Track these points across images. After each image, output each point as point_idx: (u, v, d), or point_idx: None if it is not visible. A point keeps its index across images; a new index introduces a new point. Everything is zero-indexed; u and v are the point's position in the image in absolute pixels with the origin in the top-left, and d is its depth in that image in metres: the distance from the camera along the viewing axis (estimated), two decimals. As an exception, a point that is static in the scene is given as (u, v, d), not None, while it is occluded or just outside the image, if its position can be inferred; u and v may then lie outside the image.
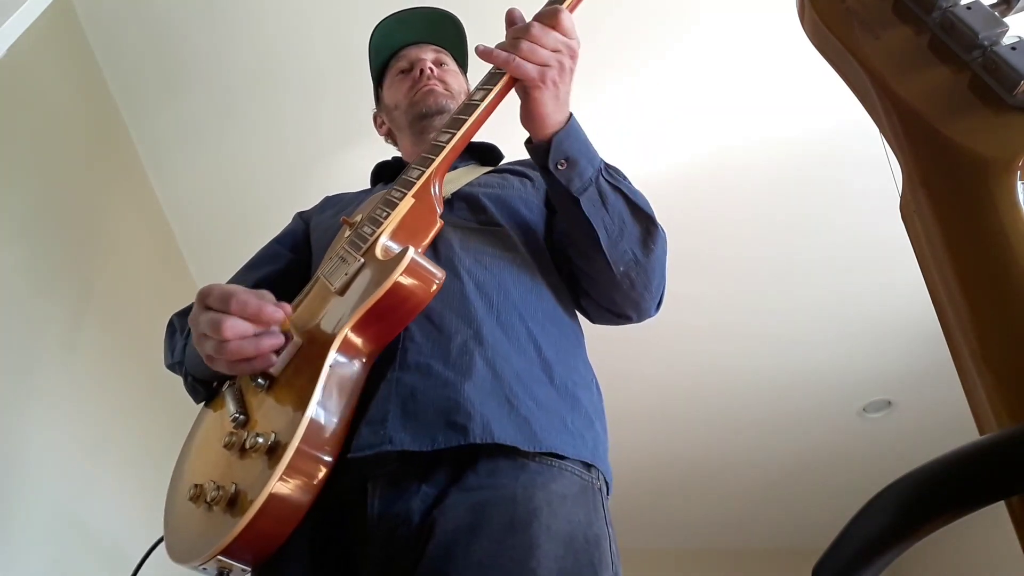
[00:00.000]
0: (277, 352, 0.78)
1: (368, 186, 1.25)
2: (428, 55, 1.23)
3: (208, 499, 0.71)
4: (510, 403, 0.78)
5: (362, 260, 0.81)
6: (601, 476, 0.83)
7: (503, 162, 1.21)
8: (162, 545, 0.78)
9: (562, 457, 0.78)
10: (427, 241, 0.86)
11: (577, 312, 1.02)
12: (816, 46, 0.44)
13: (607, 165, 0.92)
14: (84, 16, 1.90)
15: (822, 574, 0.27)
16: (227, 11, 1.90)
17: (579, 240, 0.91)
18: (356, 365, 0.77)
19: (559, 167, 0.87)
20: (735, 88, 2.02)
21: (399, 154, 1.31)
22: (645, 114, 2.07)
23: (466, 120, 0.88)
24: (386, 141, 1.34)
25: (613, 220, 0.88)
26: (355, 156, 2.14)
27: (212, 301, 0.77)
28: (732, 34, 1.91)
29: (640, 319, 0.98)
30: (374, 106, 1.34)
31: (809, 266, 2.47)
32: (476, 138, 0.95)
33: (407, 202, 0.86)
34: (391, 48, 1.26)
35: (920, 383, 2.79)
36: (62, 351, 1.72)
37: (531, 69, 0.83)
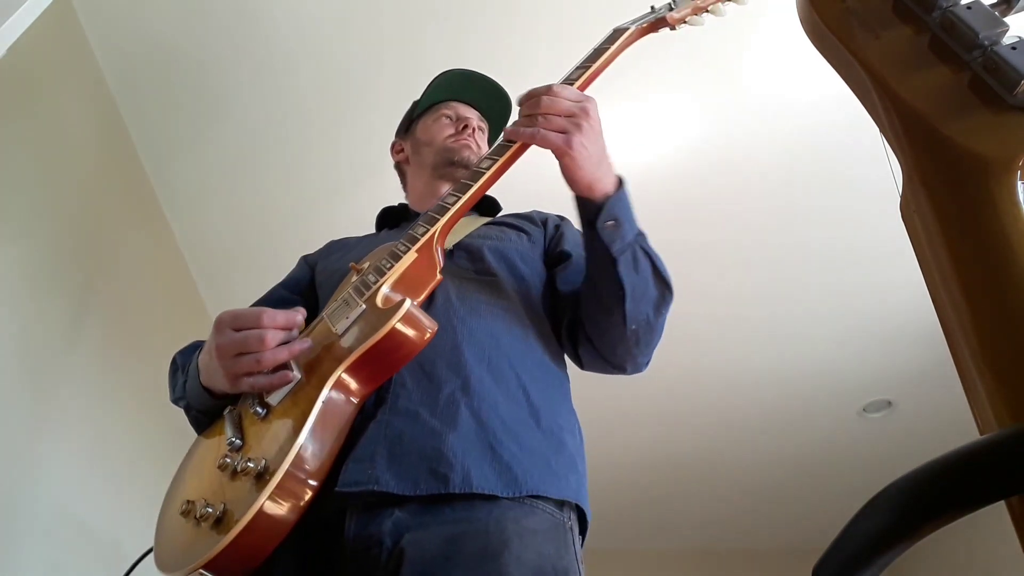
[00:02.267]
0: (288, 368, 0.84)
1: (373, 229, 1.32)
2: (474, 118, 1.32)
3: (197, 515, 0.76)
4: (493, 450, 0.83)
5: (364, 306, 0.87)
6: (573, 516, 0.88)
7: (500, 214, 1.27)
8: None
9: (540, 497, 0.83)
10: (425, 293, 0.92)
11: (567, 359, 1.08)
12: (816, 46, 0.44)
13: (641, 230, 0.98)
14: (84, 16, 1.90)
15: (822, 574, 0.27)
16: (227, 12, 1.90)
17: (604, 295, 0.96)
18: (347, 403, 0.83)
19: (606, 227, 0.92)
20: (733, 93, 2.02)
21: (402, 192, 1.39)
22: (648, 107, 2.07)
23: (472, 186, 0.97)
24: (395, 167, 1.41)
25: (640, 282, 0.94)
26: (365, 194, 2.14)
27: (241, 323, 0.84)
28: (740, 26, 1.91)
29: (632, 372, 1.04)
30: (397, 136, 1.41)
31: (809, 266, 2.47)
32: None
33: (410, 256, 0.92)
34: (446, 95, 1.35)
35: (920, 383, 2.79)
36: (64, 353, 1.72)
37: (555, 138, 0.89)
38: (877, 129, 0.40)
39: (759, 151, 2.16)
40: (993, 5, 0.37)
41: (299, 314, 0.86)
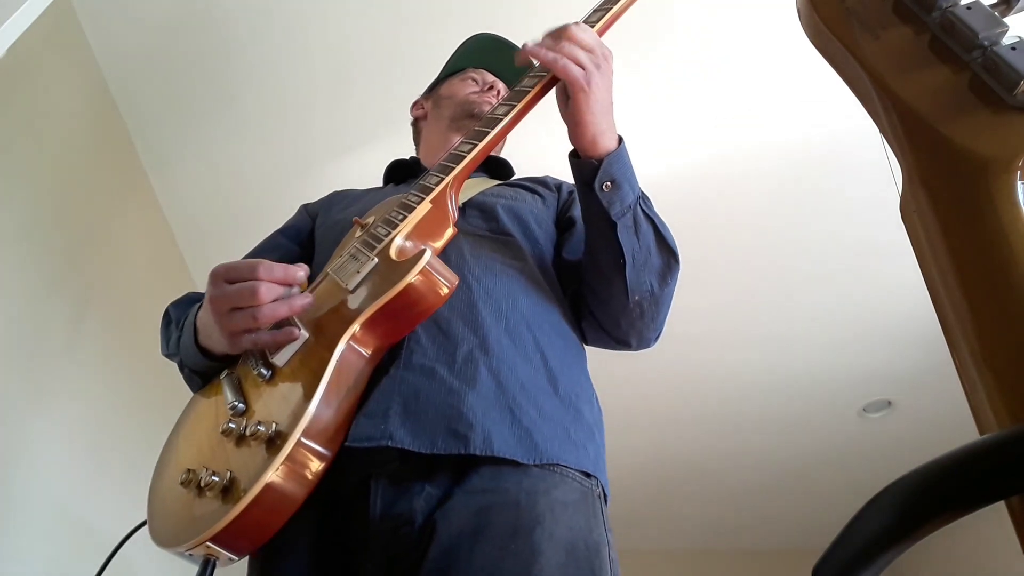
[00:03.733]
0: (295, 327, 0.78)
1: (379, 184, 1.27)
2: (500, 84, 1.29)
3: (201, 484, 0.70)
4: (513, 413, 0.78)
5: (376, 260, 0.81)
6: (599, 485, 0.84)
7: (513, 178, 1.23)
8: (145, 529, 0.77)
9: (563, 466, 0.79)
10: (440, 246, 0.86)
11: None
12: (816, 46, 0.44)
13: (643, 193, 0.93)
14: (84, 16, 1.90)
15: (822, 574, 0.27)
16: (227, 13, 1.90)
17: (603, 262, 0.92)
18: (362, 361, 0.77)
19: (604, 188, 0.87)
20: (732, 94, 2.02)
21: (412, 149, 1.35)
22: (642, 119, 2.07)
23: (488, 132, 0.90)
24: (411, 124, 1.38)
25: (641, 248, 0.89)
26: (353, 160, 2.14)
27: (235, 274, 0.77)
28: (730, 40, 1.91)
29: (639, 348, 0.99)
30: (421, 95, 1.39)
31: (809, 266, 2.47)
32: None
33: (424, 207, 0.86)
34: (475, 62, 1.33)
35: (920, 383, 2.79)
36: (63, 350, 1.72)
37: (575, 70, 0.84)
38: (877, 130, 0.40)
39: (759, 151, 2.16)
40: (993, 5, 0.37)
41: (301, 269, 0.79)
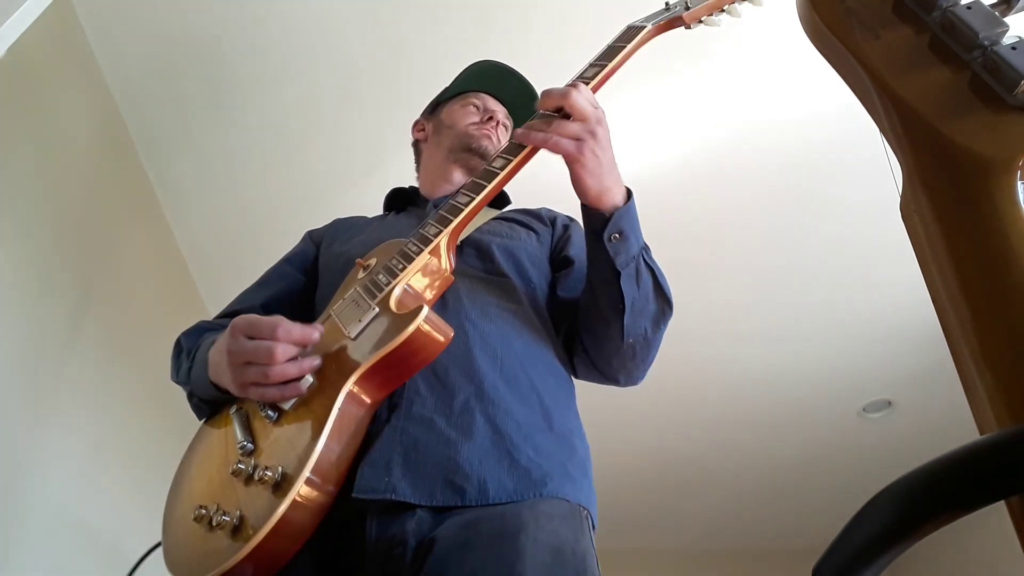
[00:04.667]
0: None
1: (380, 211, 1.31)
2: (500, 113, 1.31)
3: (212, 523, 0.75)
4: (511, 456, 0.82)
5: (376, 309, 0.86)
6: (589, 513, 0.87)
7: (508, 208, 1.25)
8: (159, 551, 0.82)
9: (561, 499, 0.82)
10: (436, 297, 0.92)
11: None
12: (816, 46, 0.44)
13: (645, 244, 0.97)
14: (84, 16, 1.89)
15: (822, 574, 0.27)
16: (228, 12, 1.90)
17: (603, 305, 0.95)
18: (362, 409, 0.82)
19: (612, 239, 0.91)
20: (733, 89, 2.02)
21: (414, 173, 1.38)
22: (644, 118, 2.07)
23: (486, 186, 0.95)
24: (412, 145, 1.40)
25: (640, 296, 0.93)
26: (358, 180, 2.15)
27: (255, 332, 0.82)
28: (732, 39, 1.91)
29: (626, 385, 1.04)
30: (421, 115, 1.40)
31: (809, 266, 2.47)
32: None
33: (423, 258, 0.91)
34: (477, 85, 1.34)
35: (920, 383, 2.79)
36: (63, 352, 1.72)
37: (568, 144, 0.87)
38: (877, 130, 0.40)
39: (758, 152, 2.16)
40: (993, 5, 0.37)
41: (316, 331, 0.84)
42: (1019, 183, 0.32)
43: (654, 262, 0.97)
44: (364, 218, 1.27)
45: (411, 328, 0.79)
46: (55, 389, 1.67)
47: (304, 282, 1.14)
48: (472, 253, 1.06)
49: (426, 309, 0.80)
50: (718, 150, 2.16)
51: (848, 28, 0.41)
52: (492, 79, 1.34)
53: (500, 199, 1.26)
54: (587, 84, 0.95)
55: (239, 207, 2.30)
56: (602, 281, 0.94)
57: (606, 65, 0.99)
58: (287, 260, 1.19)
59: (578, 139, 0.87)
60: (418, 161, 1.38)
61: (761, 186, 2.25)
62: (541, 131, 0.90)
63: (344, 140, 2.13)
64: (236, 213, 2.31)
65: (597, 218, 0.92)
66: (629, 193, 0.94)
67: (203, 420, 0.97)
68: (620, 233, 0.91)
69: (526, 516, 0.76)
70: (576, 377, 1.06)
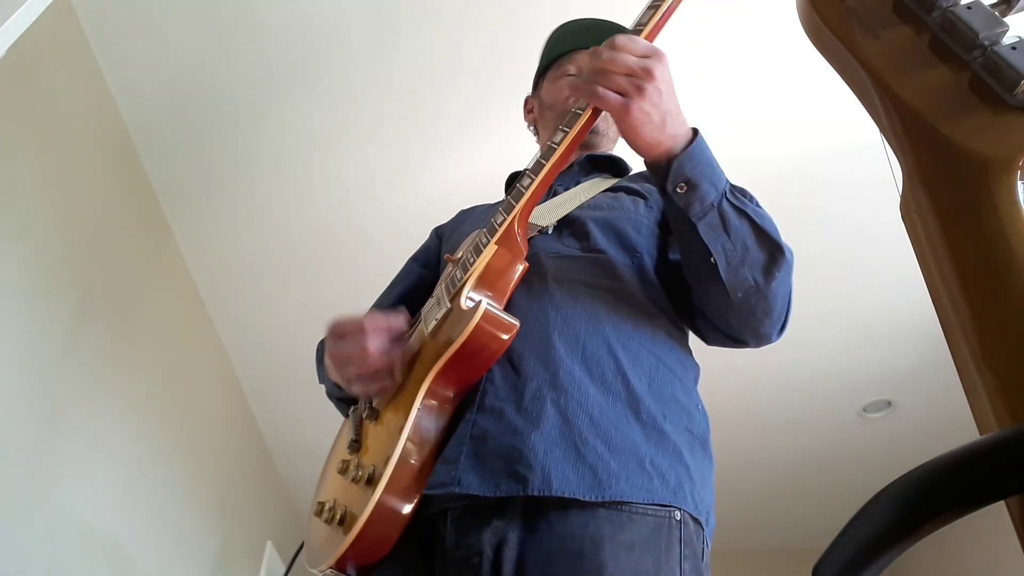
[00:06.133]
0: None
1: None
2: None
3: (328, 517, 0.83)
4: (578, 450, 0.78)
5: (448, 306, 0.88)
6: (681, 512, 0.80)
7: (629, 175, 1.18)
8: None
9: (630, 503, 0.77)
10: (512, 285, 0.90)
11: (692, 334, 1.01)
12: (816, 46, 0.44)
13: (733, 187, 0.89)
14: (84, 17, 1.89)
15: (822, 574, 0.27)
16: (230, 10, 1.90)
17: (693, 263, 0.89)
18: (441, 407, 0.85)
19: (678, 190, 0.84)
20: (732, 95, 2.02)
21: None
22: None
23: (545, 165, 0.91)
24: (528, 128, 1.35)
25: (735, 245, 0.86)
26: (367, 207, 2.15)
27: (343, 329, 0.88)
28: (728, 40, 1.91)
29: (759, 345, 0.96)
30: (530, 92, 1.34)
31: (809, 266, 2.45)
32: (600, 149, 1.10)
33: (490, 249, 0.90)
34: (566, 46, 1.25)
35: (920, 383, 2.79)
36: (67, 356, 1.72)
37: (613, 99, 0.81)
38: (876, 130, 0.40)
39: (758, 153, 2.16)
40: (993, 5, 0.37)
41: (400, 317, 0.88)
42: (1019, 183, 0.32)
43: (749, 205, 0.88)
44: (483, 206, 1.22)
45: (471, 326, 0.80)
46: (58, 392, 1.67)
47: (428, 276, 1.15)
48: (568, 233, 1.00)
49: (483, 304, 0.81)
50: (718, 154, 2.16)
51: (848, 28, 0.41)
52: (572, 36, 1.25)
53: (617, 167, 1.19)
54: (640, 31, 0.87)
55: (239, 207, 2.29)
56: (683, 236, 0.88)
57: (660, 6, 0.89)
58: (413, 258, 1.22)
59: (624, 93, 0.81)
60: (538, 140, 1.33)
61: (760, 187, 2.25)
62: (590, 82, 0.83)
63: (347, 145, 2.13)
64: (237, 214, 2.31)
65: (657, 171, 0.85)
66: (693, 137, 0.86)
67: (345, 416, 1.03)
68: (686, 182, 0.84)
69: (605, 554, 0.72)
70: (707, 343, 1.00)
